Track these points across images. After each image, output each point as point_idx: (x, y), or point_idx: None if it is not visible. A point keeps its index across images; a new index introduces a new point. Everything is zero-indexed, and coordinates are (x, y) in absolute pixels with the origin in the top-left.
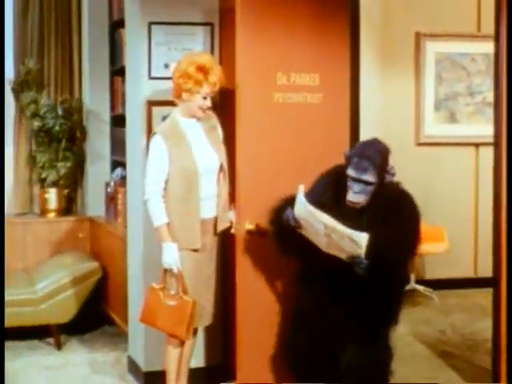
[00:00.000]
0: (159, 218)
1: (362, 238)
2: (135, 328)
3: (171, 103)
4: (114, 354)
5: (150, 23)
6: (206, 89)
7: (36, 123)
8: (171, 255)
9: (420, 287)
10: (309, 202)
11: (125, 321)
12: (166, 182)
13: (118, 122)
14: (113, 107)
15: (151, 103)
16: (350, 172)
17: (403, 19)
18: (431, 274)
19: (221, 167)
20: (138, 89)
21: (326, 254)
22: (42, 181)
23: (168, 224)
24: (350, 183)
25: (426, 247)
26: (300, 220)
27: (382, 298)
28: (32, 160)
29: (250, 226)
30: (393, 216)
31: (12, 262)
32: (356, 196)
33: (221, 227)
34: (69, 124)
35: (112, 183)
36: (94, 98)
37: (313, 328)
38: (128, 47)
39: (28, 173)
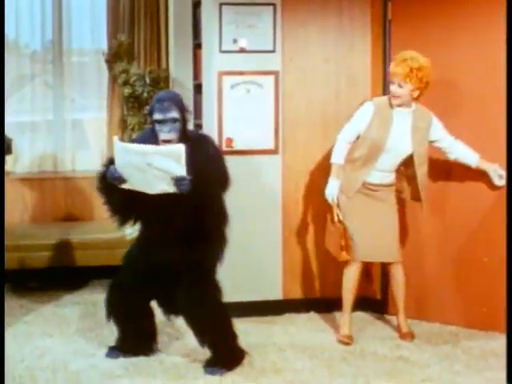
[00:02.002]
0: (335, 156)
1: (179, 147)
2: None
3: (238, 73)
4: None
5: (221, 4)
6: (392, 78)
7: (127, 90)
8: (330, 189)
9: None
10: None
11: None
12: (357, 138)
13: (200, 89)
14: (195, 76)
15: (222, 73)
16: (157, 116)
17: None
18: None
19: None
20: (211, 61)
21: (151, 202)
22: (132, 141)
23: (340, 166)
24: (159, 127)
25: None
26: (122, 170)
27: (205, 237)
28: (123, 123)
29: None
30: (203, 151)
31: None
32: (168, 134)
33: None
34: (156, 91)
35: None
36: (179, 69)
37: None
38: (203, 24)
39: (120, 134)
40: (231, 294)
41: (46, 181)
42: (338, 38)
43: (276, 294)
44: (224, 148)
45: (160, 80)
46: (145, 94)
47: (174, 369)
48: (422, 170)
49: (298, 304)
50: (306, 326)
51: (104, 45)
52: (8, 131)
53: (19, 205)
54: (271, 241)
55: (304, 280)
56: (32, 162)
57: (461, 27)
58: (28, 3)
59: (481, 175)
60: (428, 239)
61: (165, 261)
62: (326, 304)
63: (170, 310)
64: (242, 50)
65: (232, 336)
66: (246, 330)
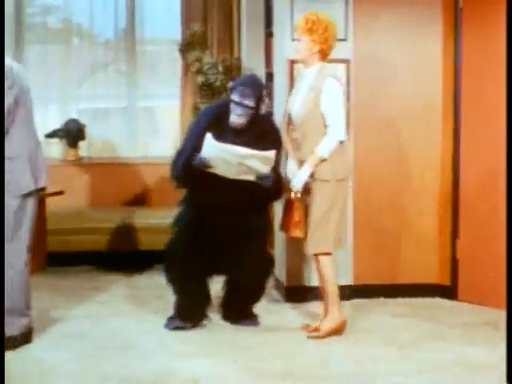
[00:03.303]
0: None
1: (271, 154)
2: (280, 251)
3: None
4: None
5: None
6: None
7: (200, 79)
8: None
9: None
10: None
11: (272, 246)
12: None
13: (272, 77)
14: (267, 65)
15: (293, 61)
16: (235, 97)
17: None
18: None
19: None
20: (283, 49)
21: (223, 182)
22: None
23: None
24: (233, 107)
25: None
26: (210, 159)
27: (263, 210)
28: (196, 110)
29: None
30: (270, 136)
31: None
32: (238, 118)
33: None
34: (228, 79)
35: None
36: (251, 57)
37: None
38: (275, 13)
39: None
40: (304, 278)
41: (118, 166)
42: (409, 27)
43: (347, 279)
44: None
45: (232, 68)
46: (217, 83)
47: (245, 348)
48: (298, 135)
49: (368, 289)
50: (374, 311)
51: (177, 34)
52: (81, 117)
53: (92, 189)
54: None
55: (375, 266)
56: (104, 148)
57: None
58: None
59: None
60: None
61: (220, 229)
62: (396, 289)
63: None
64: None
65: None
66: (316, 313)
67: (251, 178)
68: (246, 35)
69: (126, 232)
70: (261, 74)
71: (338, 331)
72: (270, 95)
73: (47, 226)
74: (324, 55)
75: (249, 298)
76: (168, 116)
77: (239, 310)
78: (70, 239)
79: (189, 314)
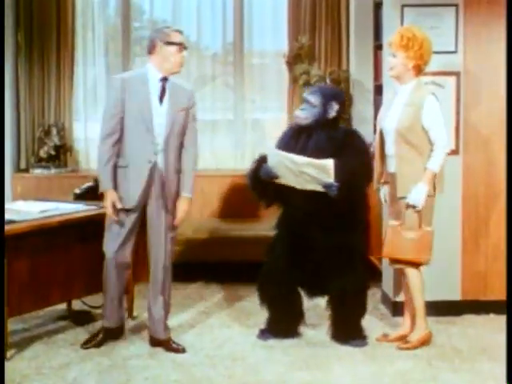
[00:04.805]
0: None
1: (328, 162)
2: (387, 266)
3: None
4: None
5: (403, 5)
6: (389, 49)
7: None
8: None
9: None
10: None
11: (380, 261)
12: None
13: (380, 90)
14: (375, 77)
15: None
16: (303, 94)
17: None
18: None
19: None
20: None
21: (299, 195)
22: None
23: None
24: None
25: None
26: (275, 170)
27: (353, 227)
28: None
29: None
30: (345, 148)
31: None
32: (301, 112)
33: (400, 190)
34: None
35: (374, 143)
36: (359, 69)
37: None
38: (384, 25)
39: None
40: None
41: (224, 178)
42: None
43: (454, 294)
44: None
45: (341, 81)
46: None
47: (352, 363)
48: (396, 149)
49: (476, 305)
50: (485, 328)
51: (284, 47)
52: None
53: (199, 200)
54: (451, 241)
55: (483, 281)
56: (212, 159)
57: None
58: (209, 6)
59: None
60: None
61: (312, 245)
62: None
63: (313, 291)
64: None
65: (363, 313)
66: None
67: (318, 187)
68: (355, 48)
69: (230, 244)
70: (369, 86)
71: (424, 343)
72: (377, 107)
73: None
74: (419, 71)
75: (350, 314)
76: (275, 129)
77: (347, 328)
78: (178, 250)
79: (279, 329)
